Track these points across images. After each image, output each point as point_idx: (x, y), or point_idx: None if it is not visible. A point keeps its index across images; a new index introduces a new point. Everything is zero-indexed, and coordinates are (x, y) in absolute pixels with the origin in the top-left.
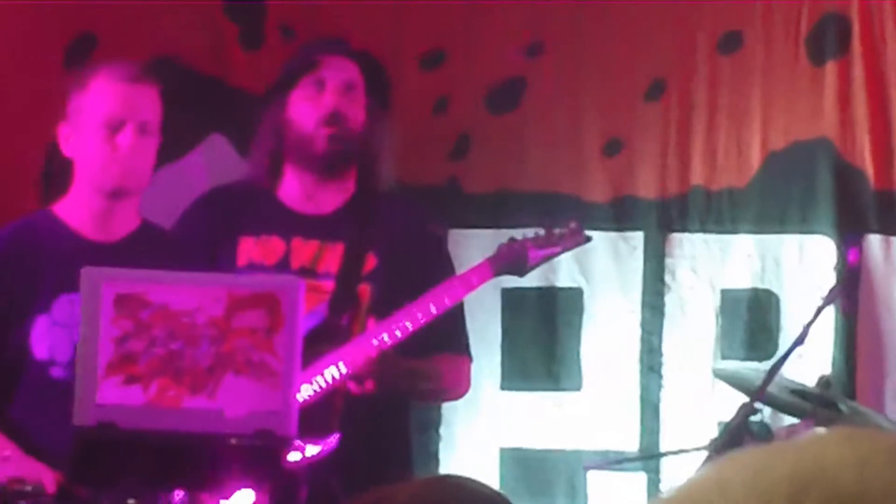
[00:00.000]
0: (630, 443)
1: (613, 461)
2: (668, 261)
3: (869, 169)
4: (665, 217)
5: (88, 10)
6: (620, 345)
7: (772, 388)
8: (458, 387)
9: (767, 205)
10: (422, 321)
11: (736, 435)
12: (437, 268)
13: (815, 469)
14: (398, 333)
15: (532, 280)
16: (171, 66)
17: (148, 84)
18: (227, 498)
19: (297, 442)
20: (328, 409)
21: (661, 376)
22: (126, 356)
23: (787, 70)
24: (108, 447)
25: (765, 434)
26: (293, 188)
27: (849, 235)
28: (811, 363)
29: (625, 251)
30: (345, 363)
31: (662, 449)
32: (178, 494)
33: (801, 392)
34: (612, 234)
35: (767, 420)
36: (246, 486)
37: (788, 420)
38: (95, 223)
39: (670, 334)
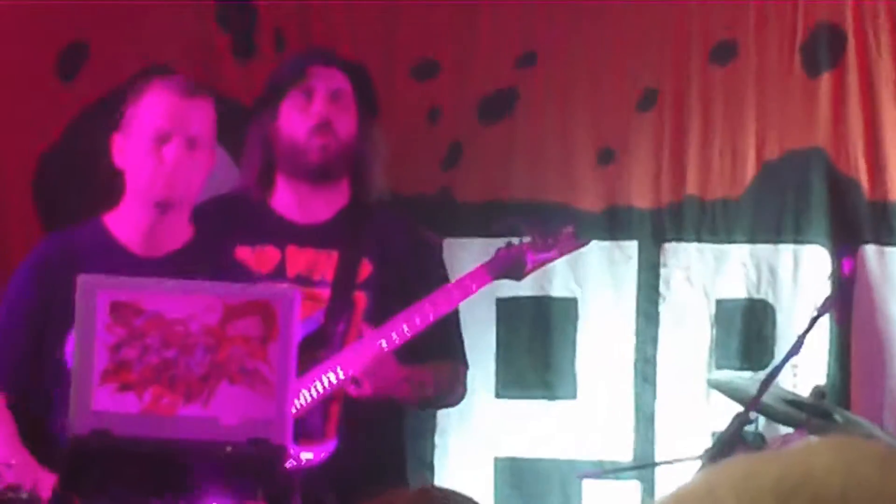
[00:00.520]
0: (624, 452)
1: (608, 470)
2: (662, 270)
3: (863, 179)
4: (659, 226)
5: (80, 18)
6: (615, 354)
7: (766, 398)
8: (454, 393)
9: (762, 214)
10: (419, 326)
11: (730, 445)
12: (432, 275)
13: (802, 474)
14: (395, 338)
15: (527, 289)
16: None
17: (200, 98)
18: None
19: (292, 450)
20: (324, 415)
21: (655, 386)
22: (120, 364)
23: (781, 80)
24: (102, 455)
25: (759, 444)
26: (286, 197)
27: (843, 245)
28: (806, 373)
29: (619, 260)
30: (342, 369)
31: (657, 458)
32: (172, 502)
33: (795, 402)
34: (607, 244)
35: (762, 430)
36: (240, 495)
37: (783, 430)
38: (143, 237)
39: (665, 344)
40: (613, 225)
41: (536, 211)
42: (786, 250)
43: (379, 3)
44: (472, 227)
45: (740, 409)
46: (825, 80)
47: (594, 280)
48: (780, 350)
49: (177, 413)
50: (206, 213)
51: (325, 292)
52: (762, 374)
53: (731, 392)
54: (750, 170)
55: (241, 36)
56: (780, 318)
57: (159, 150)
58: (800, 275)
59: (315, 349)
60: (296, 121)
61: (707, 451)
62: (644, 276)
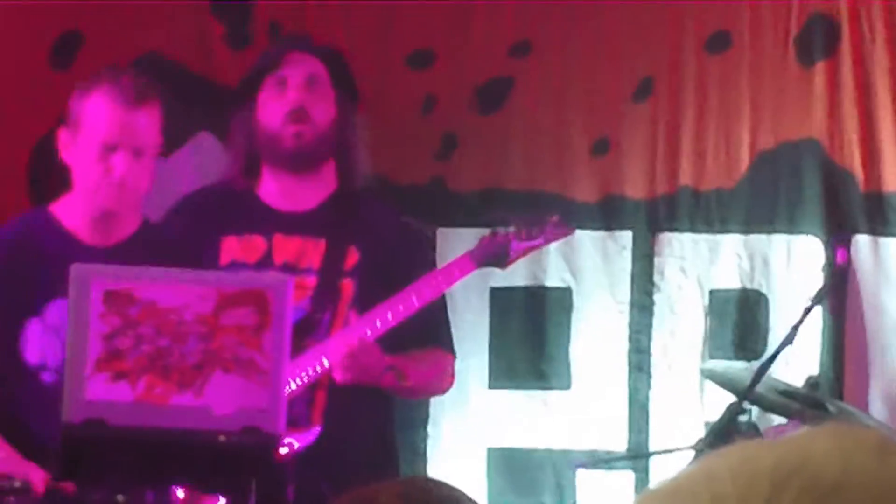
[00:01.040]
0: (618, 442)
1: (601, 460)
2: (656, 260)
3: (857, 170)
4: (654, 217)
5: (75, 7)
6: (609, 344)
7: (760, 388)
8: (441, 383)
9: (756, 205)
10: (404, 314)
11: (724, 434)
12: (419, 262)
13: (798, 460)
14: (379, 324)
15: (520, 279)
16: (158, 64)
17: (147, 104)
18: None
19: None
20: (309, 403)
21: (649, 376)
22: (114, 353)
23: (775, 70)
24: (95, 444)
25: (752, 434)
26: (271, 187)
27: (837, 236)
28: (799, 363)
29: (613, 251)
30: (327, 357)
31: (651, 448)
32: (166, 491)
33: (788, 392)
34: (601, 234)
35: (755, 420)
36: (233, 483)
37: (776, 420)
38: (91, 227)
39: (659, 334)
40: (608, 215)
41: (531, 201)
42: (779, 241)
43: None
44: (466, 217)
45: (734, 399)
46: (819, 71)
47: (588, 270)
48: (774, 340)
49: (170, 402)
50: (194, 203)
51: (312, 280)
52: (756, 364)
53: (724, 382)
54: (744, 160)
55: (236, 25)
56: (774, 309)
57: (107, 159)
58: (793, 265)
59: (301, 337)
60: (272, 109)
61: (701, 440)
62: (638, 266)
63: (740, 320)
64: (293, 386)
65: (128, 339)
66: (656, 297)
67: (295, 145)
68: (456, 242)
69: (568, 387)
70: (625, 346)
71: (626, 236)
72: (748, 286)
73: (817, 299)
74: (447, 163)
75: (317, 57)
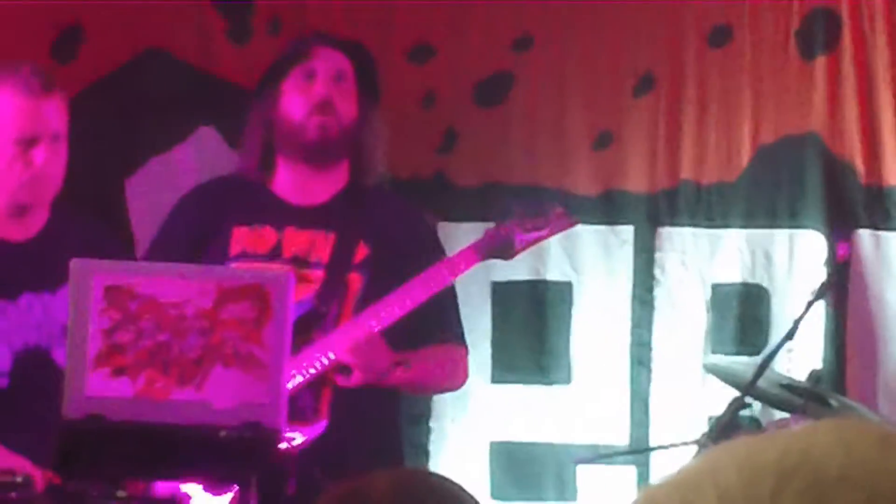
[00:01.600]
0: (620, 437)
1: (603, 455)
2: (657, 255)
3: (858, 163)
4: (655, 211)
5: (76, 2)
6: (610, 338)
7: (762, 383)
8: (454, 378)
9: (757, 199)
10: (409, 307)
11: (726, 429)
12: (429, 257)
13: (802, 454)
14: (385, 317)
15: (522, 273)
16: (159, 59)
17: (54, 92)
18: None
19: (286, 433)
20: (315, 397)
21: (650, 370)
22: (114, 348)
23: (776, 64)
24: (96, 439)
25: (755, 428)
26: (286, 180)
27: (838, 230)
28: (801, 358)
29: (614, 245)
30: (332, 351)
31: (652, 443)
32: (167, 486)
33: (790, 387)
34: (602, 228)
35: (757, 414)
36: (235, 478)
37: (778, 415)
38: (9, 223)
39: (660, 328)
40: (609, 209)
41: (532, 195)
42: (781, 235)
43: None
44: (468, 211)
45: (736, 393)
46: (821, 64)
47: (589, 264)
48: (776, 335)
49: (170, 397)
50: (207, 191)
51: (321, 274)
52: (758, 359)
53: (726, 377)
54: (745, 154)
55: (238, 20)
56: (776, 303)
57: (27, 153)
58: (795, 259)
59: (307, 330)
60: (296, 100)
61: (703, 435)
62: (639, 261)
63: (742, 315)
64: (298, 379)
65: (128, 333)
66: (657, 291)
67: (319, 137)
68: (457, 236)
69: (569, 381)
70: (626, 340)
71: (628, 230)
72: (749, 280)
73: (819, 294)
74: (448, 157)
75: (345, 54)
